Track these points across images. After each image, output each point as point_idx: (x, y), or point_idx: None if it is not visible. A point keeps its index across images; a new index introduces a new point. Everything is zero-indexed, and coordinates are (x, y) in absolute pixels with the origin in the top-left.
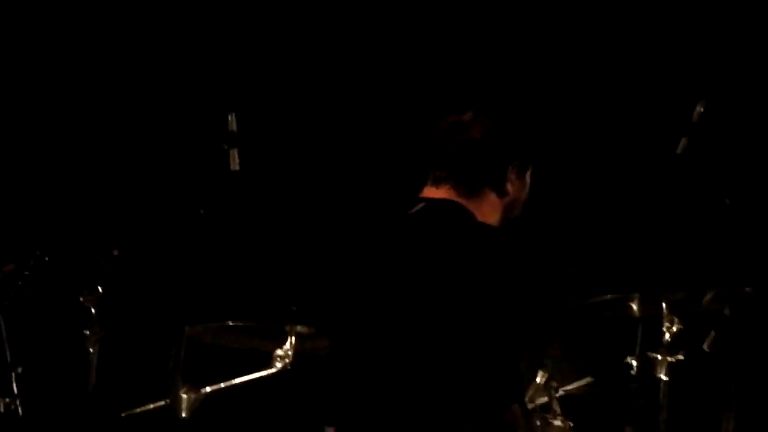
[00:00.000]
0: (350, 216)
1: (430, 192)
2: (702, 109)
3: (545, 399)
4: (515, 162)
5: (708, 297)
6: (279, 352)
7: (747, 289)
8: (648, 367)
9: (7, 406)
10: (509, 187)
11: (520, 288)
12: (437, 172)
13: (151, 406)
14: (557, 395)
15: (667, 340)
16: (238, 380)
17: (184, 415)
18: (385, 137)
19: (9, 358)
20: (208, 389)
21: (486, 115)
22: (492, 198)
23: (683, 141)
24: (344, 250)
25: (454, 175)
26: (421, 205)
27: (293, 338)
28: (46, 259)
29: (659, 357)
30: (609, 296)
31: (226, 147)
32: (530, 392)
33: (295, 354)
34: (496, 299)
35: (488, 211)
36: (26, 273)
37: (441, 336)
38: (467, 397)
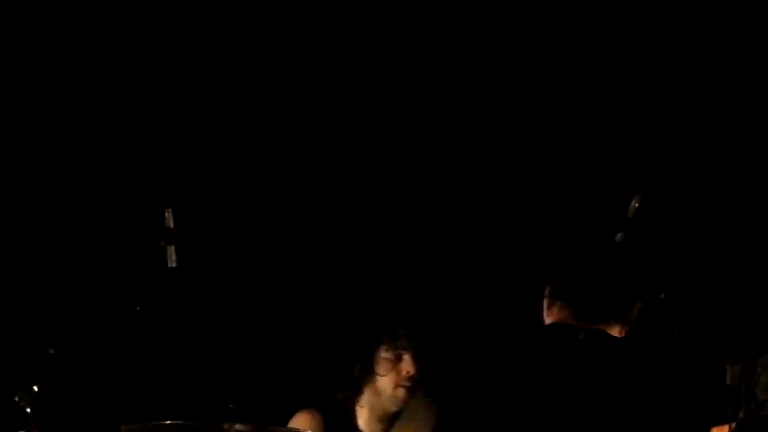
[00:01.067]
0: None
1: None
2: (637, 204)
3: None
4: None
5: None
6: None
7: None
8: None
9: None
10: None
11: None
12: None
13: None
14: None
15: None
16: None
17: None
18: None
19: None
20: None
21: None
22: (617, 329)
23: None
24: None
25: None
26: (580, 335)
27: None
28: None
29: None
30: None
31: (163, 244)
32: None
33: None
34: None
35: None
36: None
37: None
38: None
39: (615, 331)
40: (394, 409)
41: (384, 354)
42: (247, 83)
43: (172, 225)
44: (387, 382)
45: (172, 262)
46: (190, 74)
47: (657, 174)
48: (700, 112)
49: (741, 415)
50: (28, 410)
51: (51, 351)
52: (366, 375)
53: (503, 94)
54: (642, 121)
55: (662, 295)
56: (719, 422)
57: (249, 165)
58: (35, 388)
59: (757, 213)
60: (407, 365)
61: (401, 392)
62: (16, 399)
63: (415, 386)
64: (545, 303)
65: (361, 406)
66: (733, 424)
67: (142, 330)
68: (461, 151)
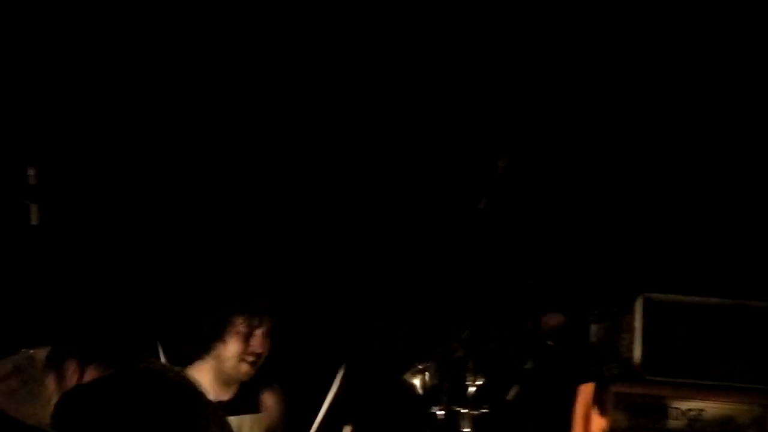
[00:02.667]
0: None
1: None
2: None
3: None
4: None
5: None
6: None
7: (549, 342)
8: (453, 420)
9: None
10: None
11: None
12: None
13: None
14: None
15: (471, 393)
16: None
17: None
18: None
19: None
20: None
21: None
22: None
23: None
24: None
25: None
26: None
27: None
28: None
29: (463, 410)
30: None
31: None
32: None
33: None
34: None
35: None
36: None
37: None
38: None
39: None
40: (235, 379)
41: (238, 324)
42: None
43: (35, 182)
44: (232, 352)
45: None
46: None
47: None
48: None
49: (606, 373)
50: None
51: None
52: (215, 338)
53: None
54: None
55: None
56: (585, 380)
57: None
58: None
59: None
60: (257, 342)
61: (245, 367)
62: None
63: (259, 364)
64: None
65: (202, 367)
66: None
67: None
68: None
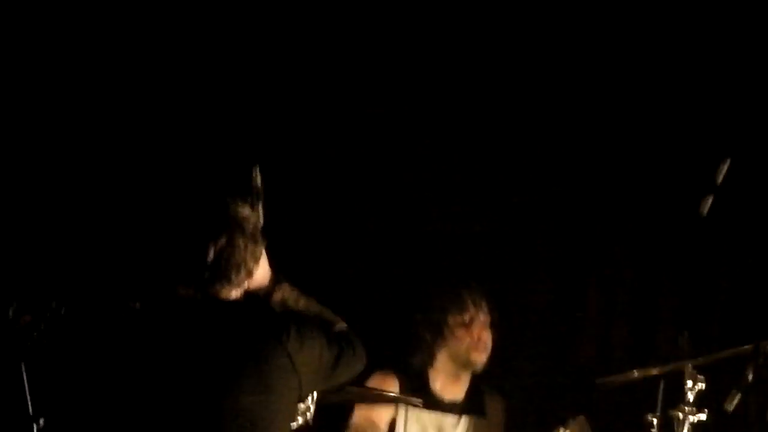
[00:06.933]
0: None
1: None
2: (725, 169)
3: None
4: None
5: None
6: (301, 405)
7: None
8: (669, 425)
9: None
10: None
11: None
12: None
13: None
14: None
15: (689, 399)
16: None
17: None
18: None
19: (31, 410)
20: None
21: None
22: None
23: (707, 201)
24: None
25: None
26: None
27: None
28: (63, 310)
29: (681, 415)
30: (635, 374)
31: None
32: None
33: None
34: None
35: None
36: (42, 325)
37: None
38: None
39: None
40: (469, 372)
41: (453, 319)
42: None
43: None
44: (459, 346)
45: None
46: None
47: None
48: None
49: None
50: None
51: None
52: (439, 340)
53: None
54: None
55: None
56: None
57: None
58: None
59: None
60: (478, 329)
61: (475, 355)
62: None
63: (487, 350)
64: None
65: (436, 370)
66: None
67: None
68: None
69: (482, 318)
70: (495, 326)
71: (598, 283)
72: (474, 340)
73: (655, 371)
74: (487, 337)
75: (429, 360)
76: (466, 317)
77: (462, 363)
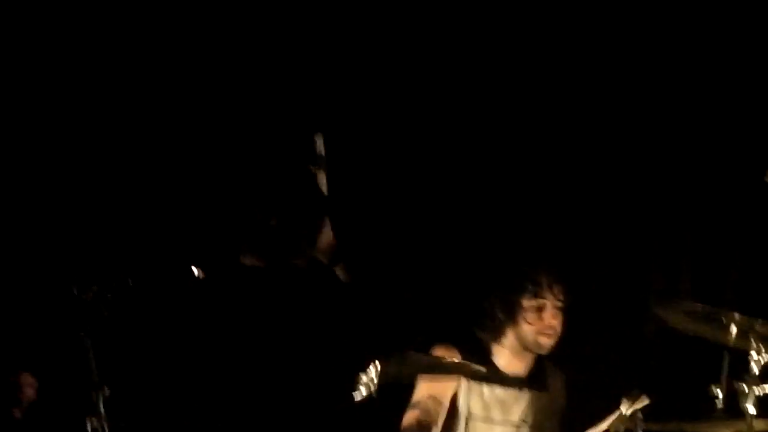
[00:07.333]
0: None
1: None
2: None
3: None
4: None
5: None
6: (363, 377)
7: None
8: (734, 397)
9: (94, 427)
10: None
11: None
12: None
13: None
14: (642, 424)
15: (755, 371)
16: None
17: None
18: None
19: (96, 380)
20: None
21: None
22: None
23: None
24: None
25: None
26: None
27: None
28: (130, 282)
29: (746, 387)
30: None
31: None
32: (614, 422)
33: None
34: None
35: None
36: (109, 296)
37: None
38: None
39: None
40: (535, 353)
41: (527, 302)
42: None
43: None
44: (529, 329)
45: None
46: None
47: None
48: None
49: None
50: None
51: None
52: (508, 319)
53: None
54: None
55: None
56: None
57: None
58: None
59: None
60: (549, 316)
61: (543, 339)
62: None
63: (556, 336)
64: None
65: (502, 346)
66: None
67: None
68: None
69: (555, 303)
70: (566, 311)
71: (661, 262)
72: (545, 325)
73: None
74: (557, 324)
75: (496, 337)
76: (540, 302)
77: (529, 345)
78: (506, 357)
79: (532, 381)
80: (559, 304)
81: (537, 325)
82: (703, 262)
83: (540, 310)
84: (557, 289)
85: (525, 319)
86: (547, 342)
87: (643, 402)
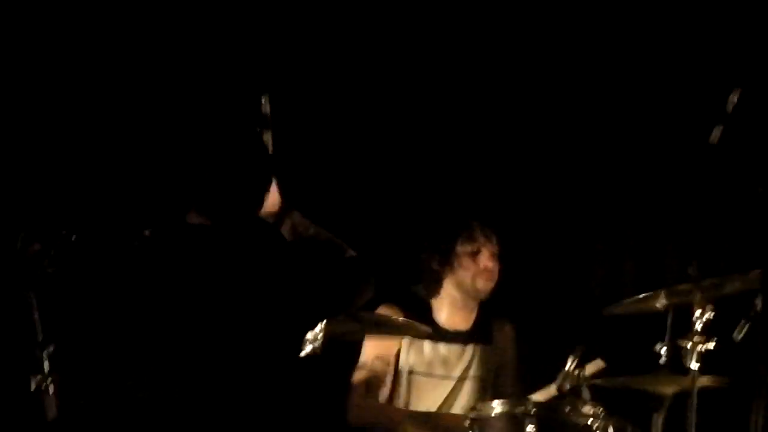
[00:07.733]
0: None
1: None
2: (736, 99)
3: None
4: None
5: (738, 284)
6: (309, 335)
7: None
8: (678, 355)
9: (38, 384)
10: None
11: None
12: None
13: None
14: (587, 381)
15: (698, 329)
16: None
17: None
18: None
19: (40, 337)
20: None
21: None
22: None
23: (717, 130)
24: None
25: None
26: None
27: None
28: (73, 238)
29: (689, 345)
30: (641, 296)
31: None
32: (560, 379)
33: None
34: None
35: None
36: (52, 252)
37: None
38: None
39: None
40: (473, 300)
41: (462, 247)
42: None
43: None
44: (466, 274)
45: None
46: None
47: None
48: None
49: None
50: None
51: (147, 233)
52: (444, 268)
53: None
54: None
55: (761, 189)
56: None
57: None
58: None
59: None
60: (485, 258)
61: (481, 283)
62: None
63: (493, 279)
64: None
65: (441, 299)
66: None
67: None
68: None
69: (490, 248)
70: (501, 258)
71: (607, 217)
72: (480, 268)
73: (663, 300)
74: (494, 267)
75: (434, 289)
76: (475, 246)
77: (468, 291)
78: (447, 311)
79: (475, 335)
80: (493, 248)
81: (473, 269)
82: (648, 213)
83: (475, 254)
84: (490, 234)
85: (461, 264)
86: (484, 285)
87: (599, 366)
